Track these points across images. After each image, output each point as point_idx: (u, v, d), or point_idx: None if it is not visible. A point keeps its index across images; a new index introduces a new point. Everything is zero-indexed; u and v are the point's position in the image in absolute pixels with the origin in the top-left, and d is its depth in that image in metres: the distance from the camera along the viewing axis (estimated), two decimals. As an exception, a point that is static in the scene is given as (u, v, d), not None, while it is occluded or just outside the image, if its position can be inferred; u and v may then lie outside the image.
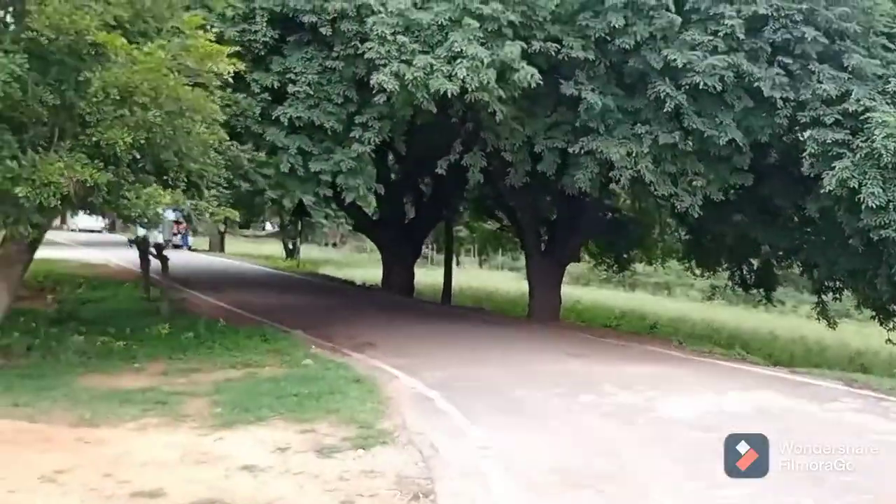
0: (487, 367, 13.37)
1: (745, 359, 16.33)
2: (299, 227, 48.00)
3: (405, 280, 29.09)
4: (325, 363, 12.89)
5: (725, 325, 31.04)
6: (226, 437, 8.46)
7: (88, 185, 10.40)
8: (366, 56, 14.19)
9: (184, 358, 13.04)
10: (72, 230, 60.37)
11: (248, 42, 15.03)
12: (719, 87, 14.44)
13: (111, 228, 64.33)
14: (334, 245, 68.65)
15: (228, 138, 13.76)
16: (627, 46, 14.86)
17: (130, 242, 26.14)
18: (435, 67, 13.68)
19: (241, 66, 13.28)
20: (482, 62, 13.52)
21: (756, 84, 14.60)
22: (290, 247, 52.19)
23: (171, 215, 47.56)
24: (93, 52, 10.81)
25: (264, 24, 15.02)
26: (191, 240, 48.27)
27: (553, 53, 14.66)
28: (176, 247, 45.89)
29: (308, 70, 14.99)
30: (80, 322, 15.89)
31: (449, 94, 13.69)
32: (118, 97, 10.48)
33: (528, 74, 13.85)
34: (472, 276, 43.68)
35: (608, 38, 14.99)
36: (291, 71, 15.05)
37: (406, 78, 13.66)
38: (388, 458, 7.84)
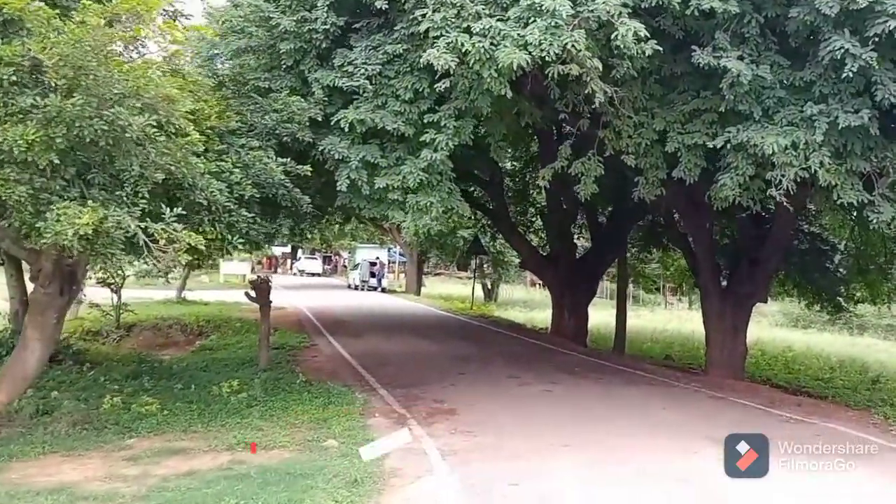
0: (572, 455, 9.19)
1: None
2: (488, 266, 44.61)
3: (577, 324, 24.68)
4: (353, 444, 9.46)
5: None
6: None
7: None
8: (421, 27, 10.57)
9: (190, 430, 10.57)
10: (294, 273, 61.86)
11: (308, 33, 12.01)
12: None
13: (334, 271, 65.18)
14: (542, 285, 64.57)
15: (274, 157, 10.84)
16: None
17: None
18: (504, 33, 9.81)
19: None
20: (562, 19, 9.47)
21: None
22: (489, 287, 49.09)
23: (357, 258, 47.23)
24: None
25: (326, 8, 11.93)
26: (385, 281, 46.32)
27: (678, 7, 10.14)
28: (371, 289, 44.60)
29: (371, 60, 11.61)
30: (159, 376, 14.62)
31: (524, 67, 9.74)
32: (15, 78, 7.54)
33: (632, 33, 9.49)
34: (677, 317, 38.33)
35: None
36: (352, 63, 11.77)
37: (466, 51, 9.90)
38: None
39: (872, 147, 10.65)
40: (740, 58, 10.32)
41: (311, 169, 11.41)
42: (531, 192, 27.58)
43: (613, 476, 8.26)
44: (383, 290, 44.76)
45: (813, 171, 10.28)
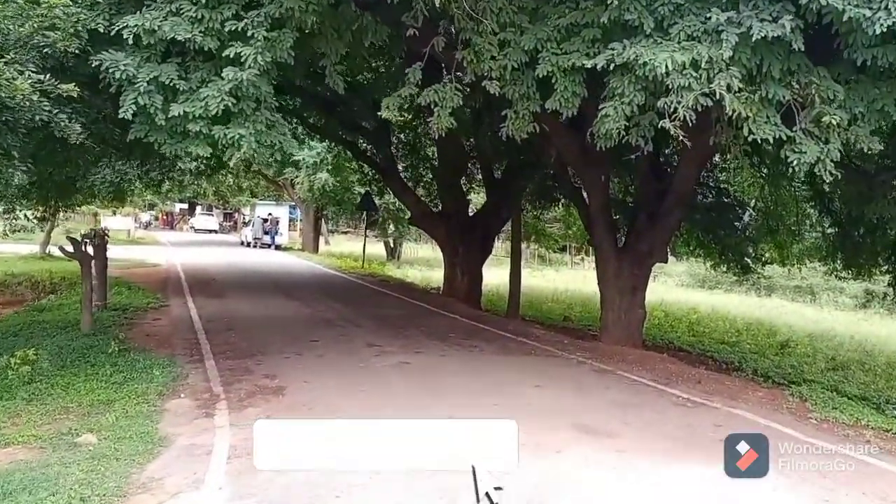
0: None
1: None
2: (388, 224, 42.06)
3: (470, 284, 22.42)
4: (118, 441, 7.24)
5: (886, 344, 22.63)
6: None
7: None
8: None
9: None
10: (190, 230, 58.47)
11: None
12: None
13: (233, 228, 61.93)
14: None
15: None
16: None
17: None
18: None
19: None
20: None
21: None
22: (392, 246, 46.66)
23: (257, 214, 44.32)
24: None
25: None
26: (280, 239, 43.46)
27: None
28: (264, 246, 41.90)
29: None
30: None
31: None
32: None
33: None
34: (581, 277, 36.43)
35: None
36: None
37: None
38: None
39: (794, 70, 8.44)
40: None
41: (76, 88, 8.61)
42: (422, 143, 25.05)
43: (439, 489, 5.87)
44: (277, 248, 42.05)
45: (718, 96, 8.01)
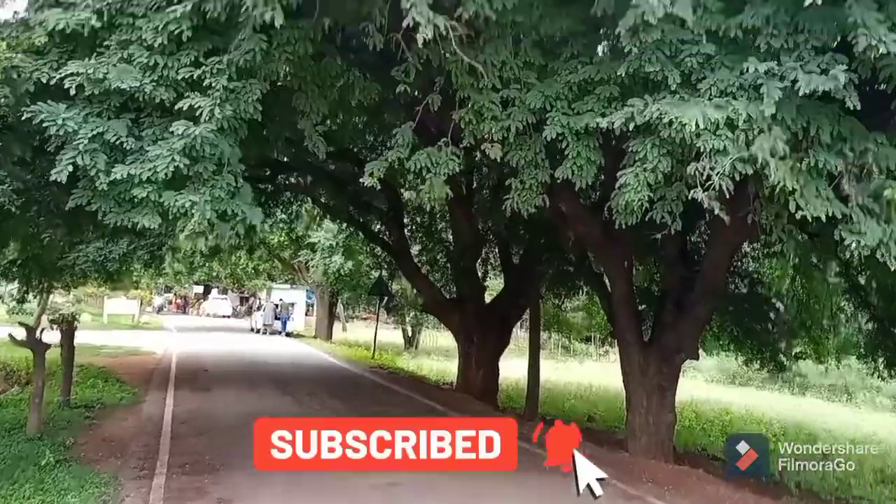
0: None
1: None
2: (408, 310, 40.34)
3: (485, 378, 20.63)
4: None
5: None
6: None
7: None
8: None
9: None
10: (203, 315, 56.96)
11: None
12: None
13: (248, 313, 60.31)
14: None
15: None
16: None
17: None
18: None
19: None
20: None
21: None
22: (410, 334, 44.83)
23: (272, 299, 42.88)
24: None
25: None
26: (292, 325, 41.73)
27: None
28: (274, 333, 40.28)
29: None
30: None
31: None
32: None
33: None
34: (607, 370, 34.28)
35: None
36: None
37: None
38: None
39: (846, 136, 7.02)
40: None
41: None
42: (436, 225, 23.78)
43: None
44: (288, 335, 40.13)
45: (760, 163, 6.56)
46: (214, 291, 59.79)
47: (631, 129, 7.10)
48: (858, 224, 7.11)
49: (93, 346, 25.22)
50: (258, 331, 41.82)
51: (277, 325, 40.90)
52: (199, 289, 59.95)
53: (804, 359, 22.66)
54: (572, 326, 35.66)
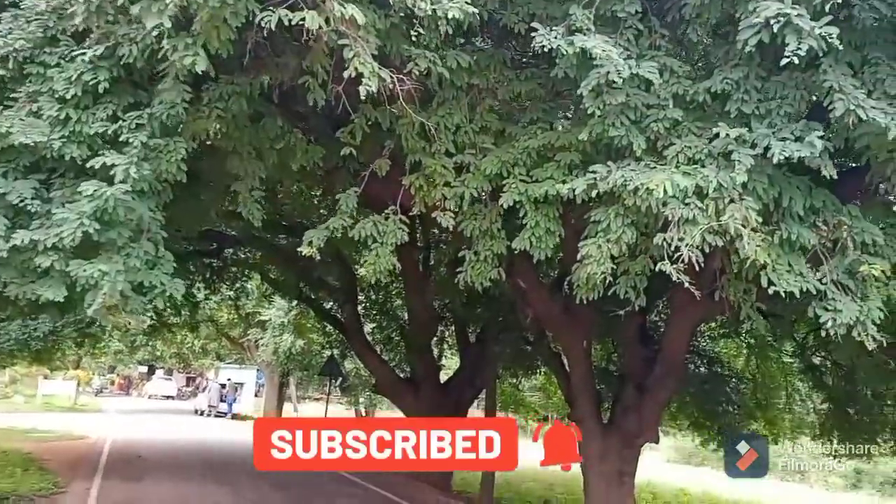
0: None
1: None
2: (362, 389, 39.01)
3: (440, 462, 19.63)
4: None
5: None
6: None
7: None
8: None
9: None
10: (146, 397, 54.44)
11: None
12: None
13: (194, 395, 57.94)
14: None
15: None
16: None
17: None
18: None
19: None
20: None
21: None
22: (364, 414, 43.37)
23: (220, 379, 41.10)
24: None
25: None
26: (239, 406, 40.05)
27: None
28: (220, 415, 38.56)
29: (16, 33, 6.96)
30: None
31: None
32: None
33: None
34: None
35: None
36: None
37: None
38: None
39: (819, 207, 6.54)
40: (608, 42, 6.11)
41: None
42: (391, 302, 23.03)
43: None
44: (234, 417, 38.41)
45: (734, 233, 6.02)
46: (160, 372, 57.46)
47: (594, 196, 6.54)
48: (834, 301, 6.60)
49: (21, 429, 23.71)
50: (202, 413, 40.00)
51: (223, 406, 39.17)
52: (144, 369, 57.60)
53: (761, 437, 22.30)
54: (528, 406, 34.75)
